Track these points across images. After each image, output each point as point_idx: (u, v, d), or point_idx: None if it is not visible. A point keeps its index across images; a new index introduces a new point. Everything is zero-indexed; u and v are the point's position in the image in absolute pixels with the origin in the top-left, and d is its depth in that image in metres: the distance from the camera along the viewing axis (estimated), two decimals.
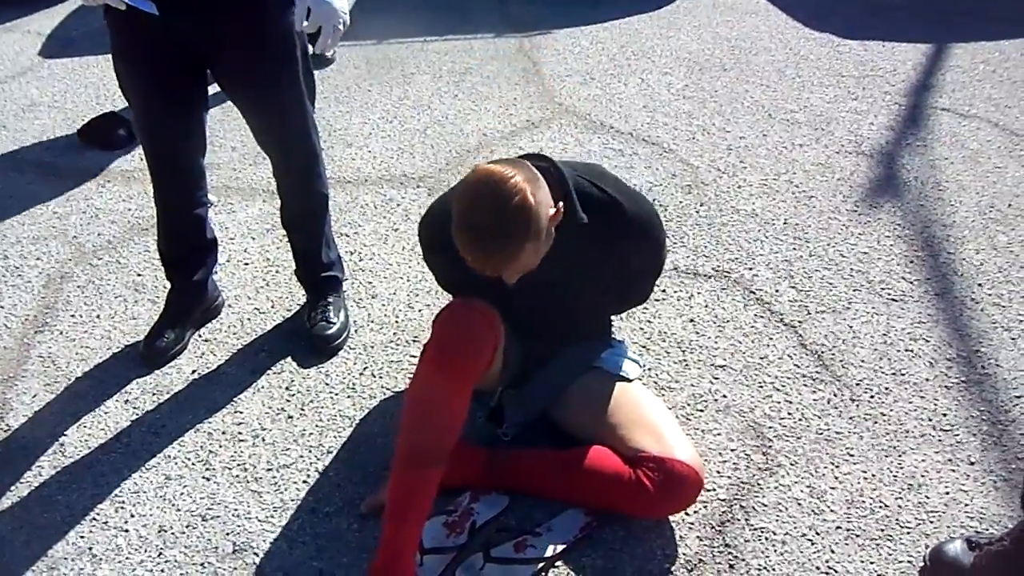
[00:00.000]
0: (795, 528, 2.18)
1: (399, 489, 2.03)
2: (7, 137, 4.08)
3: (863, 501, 2.23)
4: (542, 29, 5.02)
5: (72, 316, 2.98)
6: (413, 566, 2.02)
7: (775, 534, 2.17)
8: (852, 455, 2.35)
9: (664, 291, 2.93)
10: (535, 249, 1.92)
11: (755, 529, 2.18)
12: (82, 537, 2.27)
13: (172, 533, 2.26)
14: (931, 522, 2.17)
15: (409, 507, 2.02)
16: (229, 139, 3.93)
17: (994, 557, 1.95)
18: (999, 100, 3.97)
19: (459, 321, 2.05)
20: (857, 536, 2.15)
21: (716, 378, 2.61)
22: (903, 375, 2.59)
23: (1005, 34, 4.62)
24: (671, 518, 2.21)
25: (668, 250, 2.34)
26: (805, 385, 2.57)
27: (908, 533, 2.15)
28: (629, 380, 2.32)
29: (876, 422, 2.44)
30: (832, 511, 2.21)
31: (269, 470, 2.41)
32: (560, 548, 2.13)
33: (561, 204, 1.98)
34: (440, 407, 2.04)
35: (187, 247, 2.80)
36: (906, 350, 2.67)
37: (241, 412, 2.59)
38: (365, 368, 2.72)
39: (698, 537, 2.17)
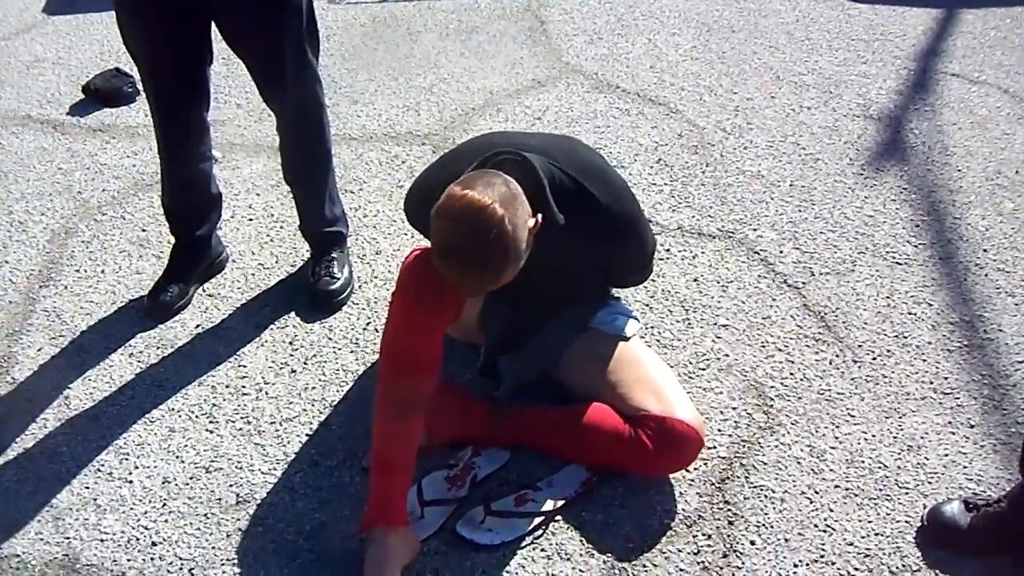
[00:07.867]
0: (794, 486, 2.19)
1: (381, 440, 2.04)
2: (12, 93, 4.07)
3: (862, 461, 2.24)
4: None
5: (77, 271, 2.98)
6: (404, 516, 2.02)
7: (774, 492, 2.18)
8: (853, 416, 2.36)
9: (668, 250, 2.92)
10: (516, 267, 1.86)
11: (755, 487, 2.19)
12: (87, 488, 2.29)
13: (176, 484, 2.28)
14: (929, 483, 2.18)
15: (392, 457, 2.03)
16: (234, 95, 3.92)
17: (991, 519, 1.99)
18: (1010, 66, 3.94)
19: (420, 267, 2.02)
20: (856, 495, 2.16)
21: (719, 337, 2.61)
22: (905, 338, 2.59)
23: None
24: (671, 475, 2.22)
25: (655, 241, 2.30)
26: (807, 346, 2.57)
27: (906, 493, 2.16)
28: (627, 338, 2.32)
29: (877, 384, 2.45)
30: (831, 470, 2.22)
31: (272, 423, 2.43)
32: (560, 503, 2.15)
33: (540, 216, 1.90)
34: (410, 354, 2.03)
35: (191, 202, 2.81)
36: (909, 313, 2.67)
37: (245, 366, 2.60)
38: (368, 323, 2.72)
39: (698, 494, 2.18)
